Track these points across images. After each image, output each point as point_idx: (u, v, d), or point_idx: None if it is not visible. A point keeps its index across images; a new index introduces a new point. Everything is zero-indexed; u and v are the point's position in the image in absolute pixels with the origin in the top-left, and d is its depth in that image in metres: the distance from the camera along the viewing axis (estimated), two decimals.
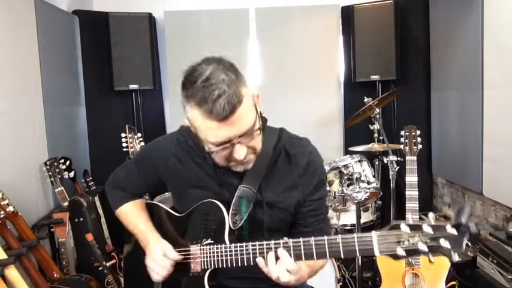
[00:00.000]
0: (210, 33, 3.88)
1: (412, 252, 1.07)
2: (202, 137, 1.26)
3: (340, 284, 2.57)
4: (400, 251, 1.08)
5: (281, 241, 1.25)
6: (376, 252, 1.11)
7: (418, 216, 2.38)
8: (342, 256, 1.17)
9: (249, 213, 1.40)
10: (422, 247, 1.05)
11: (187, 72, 1.24)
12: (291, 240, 1.24)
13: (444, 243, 1.04)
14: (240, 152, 1.25)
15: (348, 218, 3.02)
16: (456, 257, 1.02)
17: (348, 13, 3.74)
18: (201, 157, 1.44)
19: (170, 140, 1.51)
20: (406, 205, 2.38)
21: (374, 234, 1.12)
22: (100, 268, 2.61)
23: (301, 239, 1.22)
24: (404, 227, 1.08)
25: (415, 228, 1.07)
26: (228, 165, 1.33)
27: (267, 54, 3.95)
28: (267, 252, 1.26)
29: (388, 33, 3.55)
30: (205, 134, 1.23)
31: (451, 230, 1.04)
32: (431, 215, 1.06)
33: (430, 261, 1.04)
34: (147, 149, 1.64)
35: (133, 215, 1.58)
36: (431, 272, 2.37)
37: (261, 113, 1.34)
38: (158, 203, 1.63)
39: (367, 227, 3.08)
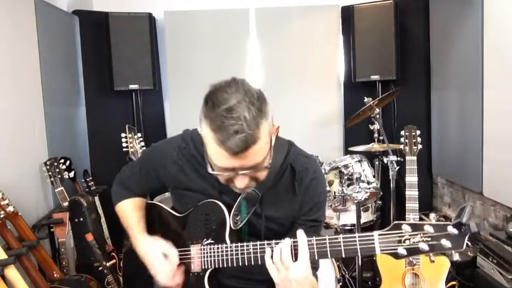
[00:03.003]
0: (210, 33, 3.88)
1: (413, 251, 1.08)
2: (209, 154, 1.23)
3: (340, 284, 2.57)
4: (401, 250, 1.08)
5: (282, 241, 1.25)
6: (378, 251, 1.11)
7: (418, 216, 2.38)
8: (343, 255, 1.17)
9: (250, 220, 1.40)
10: (424, 246, 1.06)
11: (214, 88, 1.20)
12: (292, 240, 1.24)
13: (445, 242, 1.04)
14: (241, 182, 1.24)
15: (348, 218, 3.01)
16: (457, 256, 1.02)
17: (348, 13, 3.74)
18: (202, 165, 1.43)
19: (172, 147, 1.50)
20: (406, 205, 2.38)
21: (376, 233, 1.12)
22: (100, 268, 2.61)
23: None
24: (405, 227, 1.08)
25: (416, 227, 1.08)
26: (228, 184, 1.31)
27: (267, 54, 3.95)
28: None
29: (388, 33, 3.54)
30: (212, 155, 1.21)
31: (452, 229, 1.04)
32: (432, 215, 1.07)
33: (431, 260, 1.04)
34: (150, 154, 1.64)
35: (128, 212, 1.59)
36: (432, 272, 2.37)
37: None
38: (159, 203, 1.63)
39: (367, 227, 3.09)
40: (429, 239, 1.06)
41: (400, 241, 1.09)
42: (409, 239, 1.08)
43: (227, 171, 1.22)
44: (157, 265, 1.42)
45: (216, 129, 1.14)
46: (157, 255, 1.42)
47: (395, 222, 1.10)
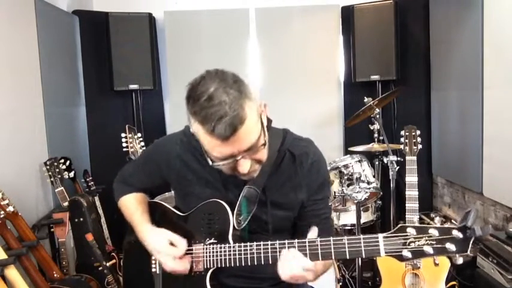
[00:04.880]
0: (210, 33, 3.88)
1: (418, 254, 1.08)
2: (206, 149, 1.25)
3: (340, 284, 2.57)
4: (406, 253, 1.09)
5: (286, 241, 1.25)
6: (382, 254, 1.12)
7: (418, 216, 2.38)
8: (348, 257, 1.17)
9: (253, 213, 1.40)
10: (428, 249, 1.06)
11: (192, 86, 1.22)
12: (296, 240, 1.24)
13: (450, 246, 1.05)
14: (244, 166, 1.25)
15: (348, 218, 3.02)
16: (461, 260, 1.03)
17: (348, 13, 3.74)
18: (205, 157, 1.44)
19: (174, 141, 1.51)
20: (406, 205, 2.38)
21: (380, 236, 1.13)
22: (100, 268, 2.61)
23: (306, 240, 1.23)
24: (410, 230, 1.09)
25: (421, 230, 1.08)
26: (234, 174, 1.32)
27: (267, 54, 3.95)
28: (279, 251, 1.26)
29: (388, 33, 3.55)
30: (208, 148, 1.23)
31: (456, 233, 1.05)
32: (437, 218, 1.07)
33: (435, 263, 1.04)
34: (151, 150, 1.64)
35: (131, 206, 1.60)
36: (432, 272, 2.38)
37: (268, 119, 1.33)
38: (161, 202, 1.63)
39: (367, 227, 3.09)
40: (434, 242, 1.06)
41: (404, 244, 1.09)
42: (414, 242, 1.08)
43: (226, 160, 1.23)
44: (164, 250, 1.40)
45: (202, 121, 1.16)
46: (164, 242, 1.42)
47: (400, 224, 1.11)
